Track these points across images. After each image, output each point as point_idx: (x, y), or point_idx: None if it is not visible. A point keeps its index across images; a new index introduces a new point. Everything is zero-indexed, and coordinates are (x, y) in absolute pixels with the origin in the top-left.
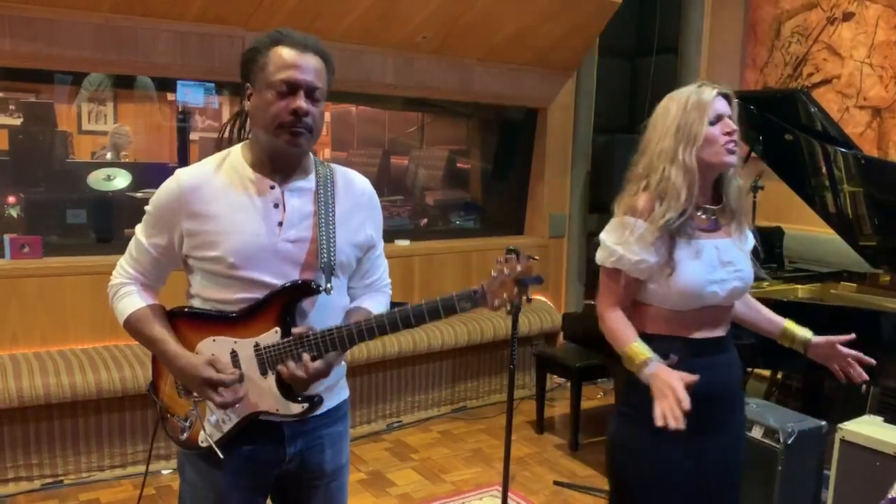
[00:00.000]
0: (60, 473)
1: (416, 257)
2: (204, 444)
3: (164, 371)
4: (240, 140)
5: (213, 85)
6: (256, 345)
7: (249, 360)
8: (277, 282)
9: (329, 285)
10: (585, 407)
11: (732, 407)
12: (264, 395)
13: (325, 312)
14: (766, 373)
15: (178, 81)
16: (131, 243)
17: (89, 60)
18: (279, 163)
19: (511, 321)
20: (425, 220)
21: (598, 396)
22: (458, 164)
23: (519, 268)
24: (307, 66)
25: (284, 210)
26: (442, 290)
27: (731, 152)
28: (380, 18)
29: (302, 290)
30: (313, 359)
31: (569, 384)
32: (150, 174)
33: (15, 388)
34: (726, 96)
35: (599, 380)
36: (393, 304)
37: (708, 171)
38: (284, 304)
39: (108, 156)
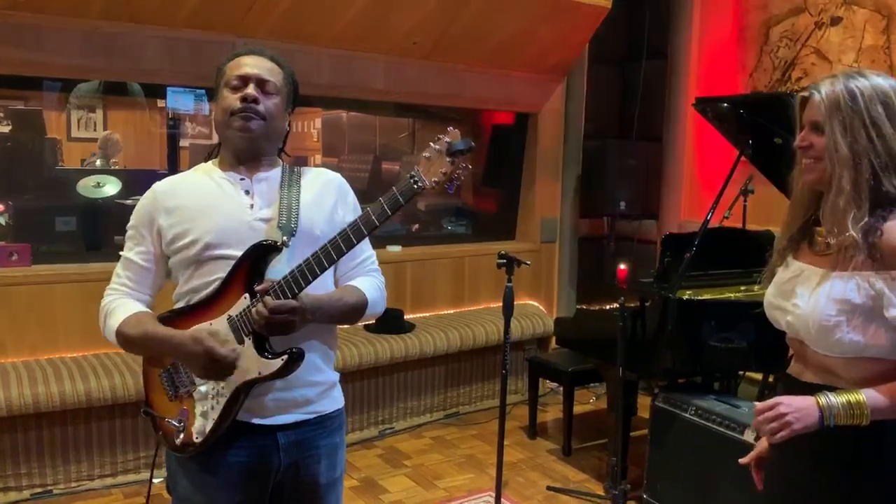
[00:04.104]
0: (50, 483)
1: (407, 263)
2: (198, 439)
3: (153, 382)
4: None
5: (203, 91)
6: (229, 317)
7: (226, 335)
8: None
9: (285, 239)
10: (578, 412)
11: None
12: (246, 362)
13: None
14: (759, 376)
15: (169, 88)
16: (117, 266)
17: (78, 67)
18: (242, 155)
19: (514, 325)
20: (417, 226)
21: (590, 401)
22: None
23: (447, 139)
24: (257, 63)
25: (254, 195)
26: (434, 297)
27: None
28: (370, 24)
29: (261, 251)
30: None
31: (561, 389)
32: (140, 181)
33: (3, 397)
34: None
35: (592, 384)
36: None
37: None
38: (248, 270)
39: (98, 163)
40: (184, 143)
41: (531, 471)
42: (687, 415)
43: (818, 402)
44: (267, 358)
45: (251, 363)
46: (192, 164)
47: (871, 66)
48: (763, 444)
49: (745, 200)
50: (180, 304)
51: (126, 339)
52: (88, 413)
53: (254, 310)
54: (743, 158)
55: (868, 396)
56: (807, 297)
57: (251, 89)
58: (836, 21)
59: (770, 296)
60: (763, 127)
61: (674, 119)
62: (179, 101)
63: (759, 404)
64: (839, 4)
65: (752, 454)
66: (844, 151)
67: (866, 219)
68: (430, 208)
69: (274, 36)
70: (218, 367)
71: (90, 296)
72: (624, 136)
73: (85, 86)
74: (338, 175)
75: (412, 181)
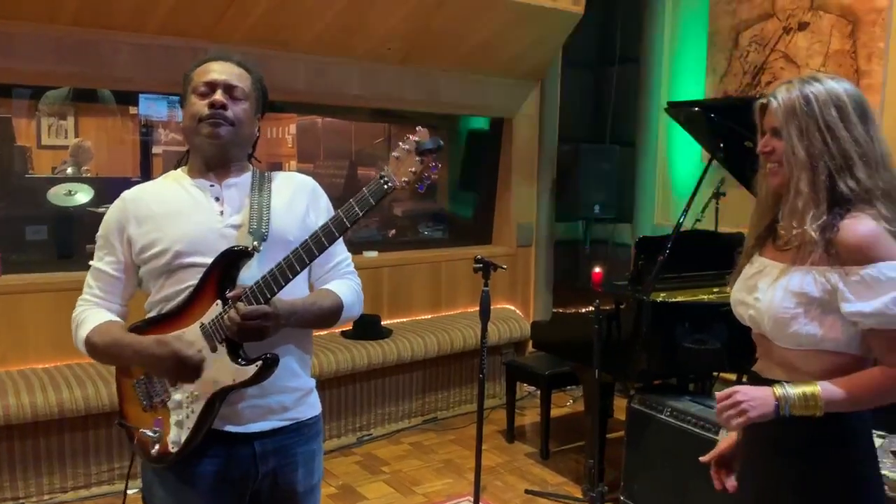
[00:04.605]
0: (22, 496)
1: (384, 269)
2: (174, 449)
3: (126, 392)
4: None
5: (178, 98)
6: (202, 325)
7: (199, 343)
8: None
9: (255, 243)
10: (555, 415)
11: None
12: (220, 369)
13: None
14: (733, 376)
15: (141, 94)
16: (88, 276)
17: (49, 74)
18: (210, 161)
19: (490, 329)
20: (393, 231)
21: (567, 404)
22: None
23: (415, 138)
24: (224, 69)
25: (224, 202)
26: (411, 302)
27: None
28: (345, 30)
29: (232, 257)
30: None
31: (538, 392)
32: (112, 189)
33: None
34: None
35: (568, 387)
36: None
37: None
38: (220, 277)
39: (69, 171)
40: (157, 150)
41: (509, 474)
42: (662, 416)
43: (774, 393)
44: (241, 365)
45: (225, 370)
46: (165, 171)
47: (837, 69)
48: (723, 443)
49: (716, 203)
50: (152, 314)
51: (94, 348)
52: (61, 424)
53: (226, 316)
54: (715, 162)
55: (823, 389)
56: (766, 291)
57: (219, 95)
58: (803, 26)
59: (735, 291)
60: (734, 131)
61: (646, 123)
62: (152, 107)
63: (718, 393)
64: (806, 10)
65: (713, 453)
66: (801, 155)
67: (824, 217)
68: (406, 213)
69: (248, 42)
70: (184, 367)
71: (62, 305)
72: (597, 140)
73: (54, 93)
74: (309, 178)
75: (382, 181)
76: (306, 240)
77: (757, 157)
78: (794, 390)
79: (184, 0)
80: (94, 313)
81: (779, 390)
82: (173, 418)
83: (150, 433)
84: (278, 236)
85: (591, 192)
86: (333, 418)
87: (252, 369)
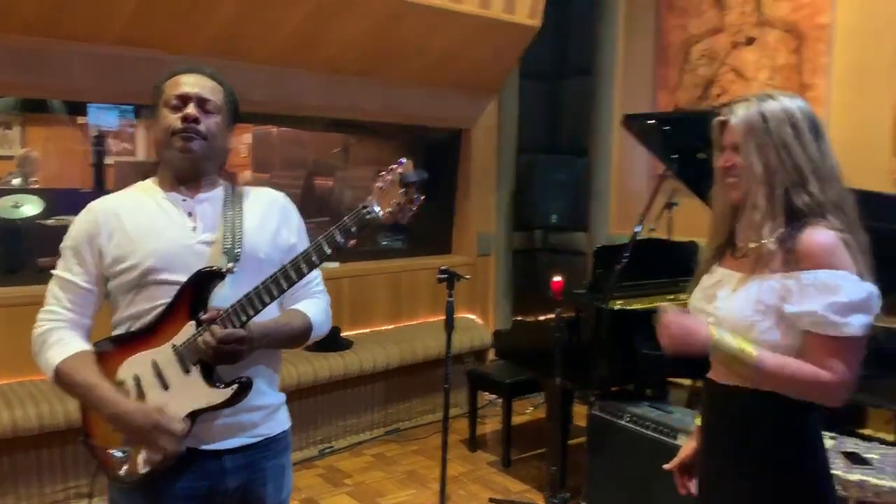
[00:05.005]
0: None
1: (345, 279)
2: (143, 470)
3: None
4: None
5: (130, 108)
6: (174, 346)
7: (170, 364)
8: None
9: (230, 265)
10: (515, 422)
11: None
12: (193, 392)
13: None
14: (688, 381)
15: (90, 104)
16: (51, 288)
17: (2, 84)
18: (183, 176)
19: (445, 340)
20: (352, 241)
21: (527, 411)
22: None
23: (399, 170)
24: (197, 82)
25: (197, 217)
26: (372, 313)
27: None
28: (305, 41)
29: (205, 278)
30: None
31: (499, 401)
32: (62, 200)
33: None
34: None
35: (528, 395)
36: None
37: None
38: (192, 297)
39: (16, 182)
40: (108, 160)
41: (472, 483)
42: (622, 422)
43: (711, 332)
44: (216, 388)
45: (199, 393)
46: (118, 182)
47: (784, 83)
48: (685, 450)
49: (669, 212)
50: (120, 330)
51: (63, 380)
52: (13, 443)
53: (200, 339)
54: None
55: (760, 355)
56: (726, 299)
57: (192, 109)
58: (751, 41)
59: (695, 300)
60: (687, 143)
61: (600, 134)
62: (102, 117)
63: (662, 316)
64: (753, 25)
65: (676, 460)
66: (759, 171)
67: (781, 229)
68: None
69: (207, 52)
70: (165, 437)
71: (11, 320)
72: (554, 151)
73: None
74: (281, 195)
75: (364, 210)
76: (284, 266)
77: (711, 168)
78: (732, 340)
79: (142, 10)
80: (66, 337)
81: (716, 332)
82: None
83: (118, 454)
84: (250, 255)
85: (547, 201)
86: (295, 431)
87: (227, 393)
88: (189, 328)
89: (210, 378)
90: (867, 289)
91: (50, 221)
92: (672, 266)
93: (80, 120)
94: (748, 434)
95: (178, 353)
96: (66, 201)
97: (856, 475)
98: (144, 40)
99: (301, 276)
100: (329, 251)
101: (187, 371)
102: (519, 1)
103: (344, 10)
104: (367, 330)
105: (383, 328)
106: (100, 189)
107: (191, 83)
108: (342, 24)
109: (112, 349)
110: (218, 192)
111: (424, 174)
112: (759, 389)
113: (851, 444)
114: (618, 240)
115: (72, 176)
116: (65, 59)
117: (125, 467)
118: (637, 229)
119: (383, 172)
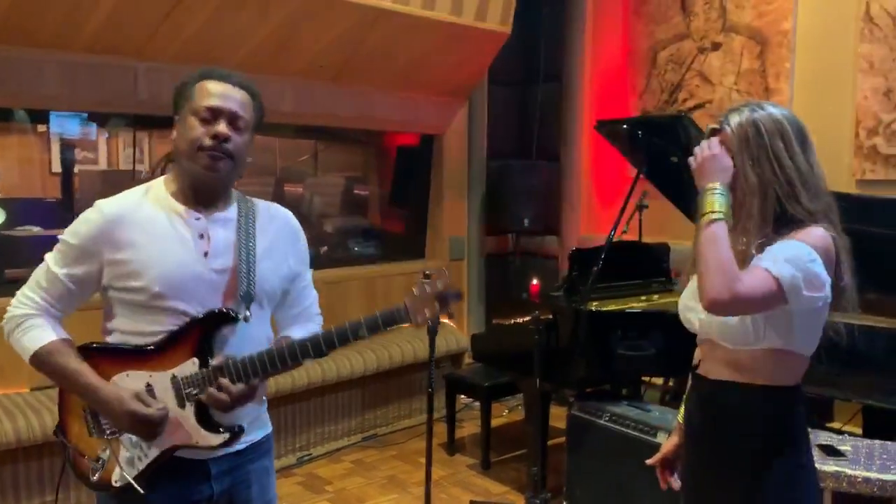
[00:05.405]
0: None
1: (318, 286)
2: (118, 484)
3: (72, 408)
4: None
5: (88, 115)
6: (173, 377)
7: (165, 393)
8: (201, 312)
9: (247, 313)
10: (494, 425)
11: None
12: (182, 427)
13: (245, 342)
14: (660, 380)
15: (52, 112)
16: (39, 273)
17: None
18: (201, 191)
19: (428, 343)
20: (325, 248)
21: (503, 413)
22: (356, 191)
23: (440, 286)
24: (231, 95)
25: (210, 241)
26: (347, 317)
27: None
28: (277, 48)
29: (220, 319)
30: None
31: (476, 404)
32: (23, 210)
33: None
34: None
35: (506, 397)
36: None
37: None
38: (202, 333)
39: None
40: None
41: (453, 486)
42: (602, 421)
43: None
44: (208, 430)
45: (187, 430)
46: (83, 191)
47: (749, 88)
48: (667, 446)
49: (640, 215)
50: (114, 339)
51: (44, 365)
52: None
53: (211, 391)
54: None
55: (717, 225)
56: None
57: (223, 127)
58: (716, 46)
59: (684, 299)
60: (659, 146)
61: (570, 139)
62: (64, 125)
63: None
64: (718, 31)
65: (658, 455)
66: (753, 181)
67: (765, 238)
68: (337, 230)
69: (179, 60)
70: (143, 426)
71: None
72: (524, 156)
73: None
74: (291, 216)
75: (398, 313)
76: (305, 340)
77: (682, 172)
78: (723, 198)
79: (114, 17)
80: (45, 324)
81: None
82: (124, 454)
83: (92, 462)
84: (260, 291)
85: (519, 206)
86: (273, 439)
87: (218, 439)
88: (191, 364)
89: (203, 419)
90: (819, 269)
91: (11, 232)
92: (644, 268)
93: (41, 129)
94: (738, 428)
95: (177, 385)
96: (28, 211)
97: (832, 466)
98: (115, 47)
99: (319, 354)
100: (352, 340)
101: (182, 406)
102: (491, 8)
103: (316, 16)
104: None
105: None
106: (68, 199)
107: (222, 95)
108: (314, 31)
109: (105, 357)
110: (232, 212)
111: (460, 292)
112: (751, 384)
113: (825, 437)
114: (588, 242)
115: (32, 185)
116: (35, 67)
117: (98, 474)
118: (612, 232)
119: (423, 280)
